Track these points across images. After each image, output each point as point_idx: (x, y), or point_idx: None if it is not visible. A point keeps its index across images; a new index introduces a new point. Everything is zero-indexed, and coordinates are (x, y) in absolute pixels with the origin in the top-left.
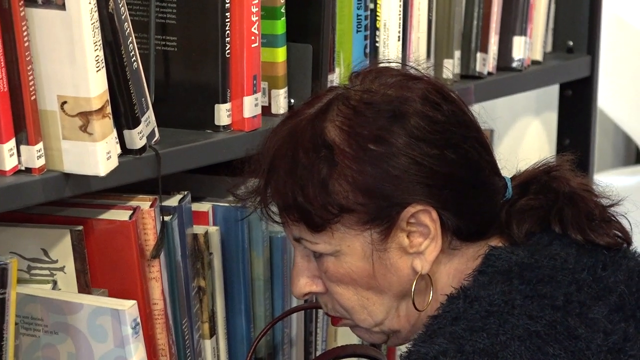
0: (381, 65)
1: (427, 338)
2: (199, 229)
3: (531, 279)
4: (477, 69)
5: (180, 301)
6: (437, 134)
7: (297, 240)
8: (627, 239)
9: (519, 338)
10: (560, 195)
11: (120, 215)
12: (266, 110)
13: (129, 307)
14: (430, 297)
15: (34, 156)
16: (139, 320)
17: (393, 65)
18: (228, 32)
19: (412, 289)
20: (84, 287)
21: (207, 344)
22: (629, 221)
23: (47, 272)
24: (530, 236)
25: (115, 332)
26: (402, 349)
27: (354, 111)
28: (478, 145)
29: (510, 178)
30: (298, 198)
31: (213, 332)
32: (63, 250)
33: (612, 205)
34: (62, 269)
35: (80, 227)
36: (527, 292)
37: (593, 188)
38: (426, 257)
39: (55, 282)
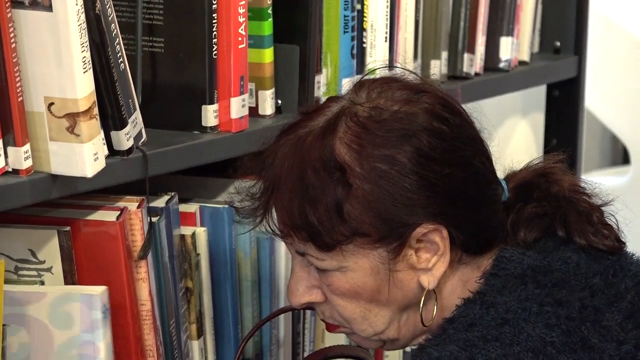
0: (384, 75)
1: (441, 341)
2: (186, 230)
3: (546, 283)
4: (464, 69)
5: (168, 302)
6: (447, 152)
7: (301, 254)
8: (622, 240)
9: (532, 350)
10: (561, 201)
11: (108, 216)
12: (253, 111)
13: (100, 292)
14: (435, 312)
15: (21, 157)
16: (108, 306)
17: (395, 73)
18: (215, 33)
19: (420, 305)
20: None
21: (195, 345)
22: (616, 220)
23: (34, 272)
24: (536, 242)
25: (84, 317)
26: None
27: (364, 129)
28: (484, 158)
29: (504, 179)
30: (310, 219)
31: (201, 333)
32: (50, 251)
33: (604, 205)
34: (49, 269)
35: (68, 228)
36: (543, 297)
37: (585, 188)
38: (433, 273)
39: (42, 283)
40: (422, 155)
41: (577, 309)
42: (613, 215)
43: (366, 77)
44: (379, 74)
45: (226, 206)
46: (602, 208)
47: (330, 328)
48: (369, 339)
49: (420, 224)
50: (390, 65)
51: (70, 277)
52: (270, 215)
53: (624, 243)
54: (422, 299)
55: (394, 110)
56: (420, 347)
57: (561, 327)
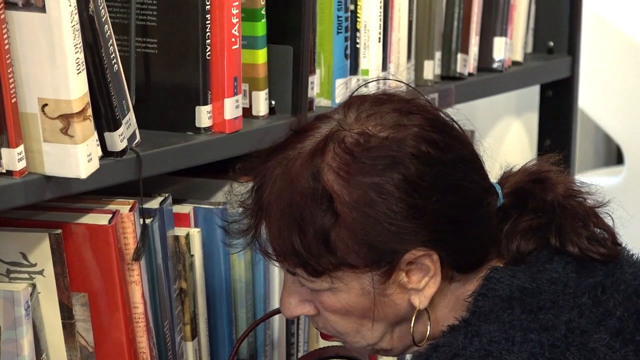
0: (376, 93)
1: None
2: (180, 231)
3: (533, 307)
4: (458, 70)
5: (162, 303)
6: (435, 178)
7: (293, 274)
8: (619, 242)
9: None
10: (556, 209)
11: (100, 219)
12: (247, 112)
13: (23, 289)
14: (429, 331)
15: (14, 159)
16: (30, 302)
17: (386, 87)
18: (208, 34)
19: (412, 325)
20: (64, 290)
21: (189, 346)
22: (613, 220)
23: (26, 275)
24: (529, 254)
25: (7, 314)
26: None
27: (351, 157)
28: (476, 175)
29: (499, 182)
30: (297, 247)
31: (195, 334)
32: (42, 254)
33: (600, 206)
34: (41, 272)
35: (59, 231)
36: (529, 323)
37: (581, 191)
38: (424, 293)
39: (34, 286)
40: (409, 182)
41: (563, 333)
42: (610, 215)
43: (356, 94)
44: (370, 87)
45: (220, 207)
46: (599, 208)
47: (325, 337)
48: (360, 349)
49: (410, 250)
50: (383, 78)
51: (62, 280)
52: (260, 237)
53: (620, 245)
54: (413, 318)
55: (382, 137)
56: None
57: (545, 355)
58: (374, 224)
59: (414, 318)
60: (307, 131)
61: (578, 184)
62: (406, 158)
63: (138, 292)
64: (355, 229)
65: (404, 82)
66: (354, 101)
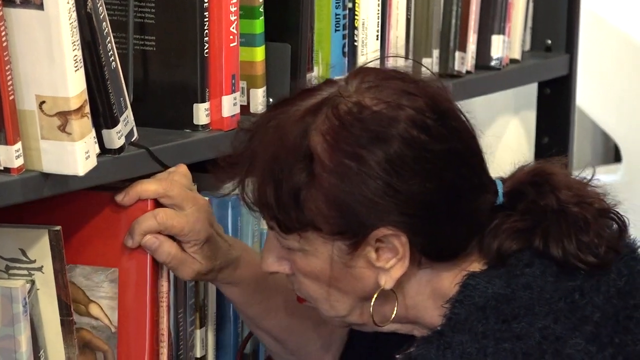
0: (385, 68)
1: None
2: None
3: (507, 315)
4: (456, 67)
5: (178, 291)
6: (419, 163)
7: (271, 228)
8: (618, 249)
9: None
10: (548, 214)
11: None
12: (245, 109)
13: (21, 286)
14: (394, 313)
15: (12, 156)
16: (27, 300)
17: (398, 65)
18: (207, 31)
19: (372, 303)
20: (62, 287)
21: (197, 334)
22: (623, 221)
23: (25, 272)
24: (510, 255)
25: (5, 311)
26: None
27: (340, 124)
28: (467, 172)
29: (507, 178)
30: (269, 199)
31: (203, 322)
32: (41, 250)
33: (609, 209)
34: (40, 269)
35: (58, 227)
36: (502, 332)
37: (588, 195)
38: (391, 275)
39: (33, 282)
40: (390, 162)
41: (537, 340)
42: (620, 217)
43: (367, 65)
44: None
45: (231, 198)
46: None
47: (299, 300)
48: (332, 319)
49: (379, 227)
50: (399, 55)
51: (61, 277)
52: (245, 184)
53: (617, 253)
54: (375, 296)
55: (375, 110)
56: None
57: None
58: (347, 194)
59: (374, 296)
60: (312, 91)
61: (591, 187)
62: (392, 137)
63: (164, 269)
64: (328, 194)
65: (421, 64)
66: (361, 71)
